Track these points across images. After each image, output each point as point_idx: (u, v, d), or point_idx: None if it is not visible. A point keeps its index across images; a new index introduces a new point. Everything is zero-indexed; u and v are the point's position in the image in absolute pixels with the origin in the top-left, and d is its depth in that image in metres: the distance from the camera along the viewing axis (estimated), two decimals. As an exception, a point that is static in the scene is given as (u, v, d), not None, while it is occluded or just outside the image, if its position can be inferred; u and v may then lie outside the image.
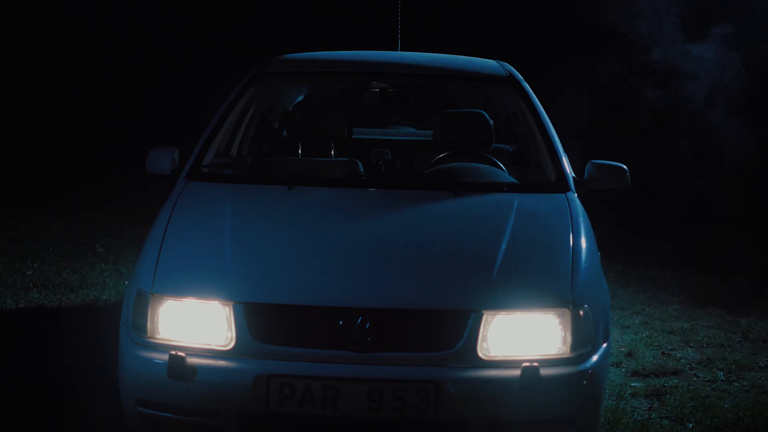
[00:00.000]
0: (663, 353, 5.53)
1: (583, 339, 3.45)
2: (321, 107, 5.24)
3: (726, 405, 4.68)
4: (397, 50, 5.95)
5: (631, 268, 7.76)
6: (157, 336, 3.44)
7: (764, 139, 11.38)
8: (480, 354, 3.35)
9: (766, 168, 10.96)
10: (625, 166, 4.35)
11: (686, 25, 9.84)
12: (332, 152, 5.32)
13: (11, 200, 9.85)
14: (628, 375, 5.14)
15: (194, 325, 3.42)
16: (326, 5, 14.14)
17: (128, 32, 13.69)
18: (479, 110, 4.93)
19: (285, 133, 5.46)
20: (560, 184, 4.23)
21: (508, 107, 5.48)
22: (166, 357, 3.34)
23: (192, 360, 3.33)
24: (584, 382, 3.42)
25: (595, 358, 3.48)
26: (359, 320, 3.33)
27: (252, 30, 14.02)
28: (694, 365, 5.33)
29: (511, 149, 5.35)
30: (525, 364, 3.31)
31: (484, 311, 3.38)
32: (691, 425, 4.43)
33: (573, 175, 4.36)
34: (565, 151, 4.51)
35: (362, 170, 4.46)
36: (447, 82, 5.35)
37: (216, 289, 3.43)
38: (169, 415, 3.40)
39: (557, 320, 3.43)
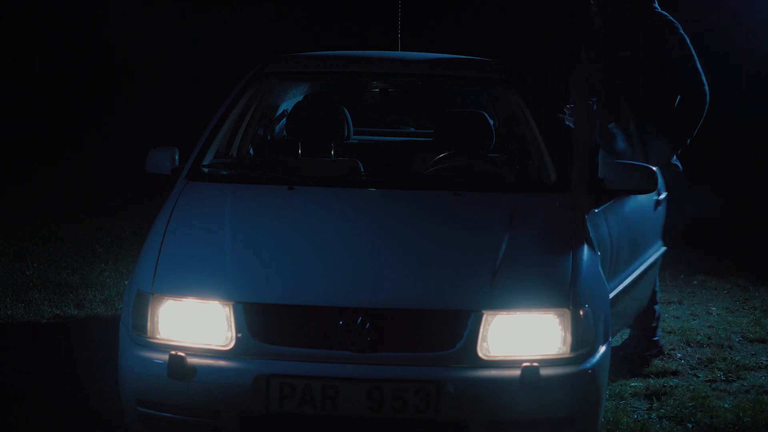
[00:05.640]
0: (663, 353, 5.52)
1: (583, 339, 3.45)
2: (321, 107, 5.24)
3: (726, 405, 4.67)
4: (397, 50, 5.94)
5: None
6: (157, 336, 3.44)
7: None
8: (480, 354, 3.35)
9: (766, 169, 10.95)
10: (653, 168, 4.11)
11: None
12: (332, 152, 5.32)
13: (11, 200, 9.83)
14: (628, 375, 5.14)
15: (194, 325, 3.42)
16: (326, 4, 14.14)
17: (128, 30, 13.67)
18: (479, 110, 4.93)
19: (285, 133, 5.45)
20: (560, 184, 4.22)
21: (508, 107, 5.47)
22: (166, 357, 3.34)
23: (192, 360, 3.34)
24: (584, 382, 3.43)
25: (595, 358, 3.48)
26: (359, 320, 3.33)
27: (251, 25, 14.01)
28: (694, 365, 5.33)
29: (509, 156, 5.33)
30: (525, 364, 3.32)
31: (484, 311, 3.38)
32: (690, 425, 4.43)
33: (586, 175, 4.25)
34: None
35: (362, 170, 4.46)
36: (447, 82, 5.34)
37: (216, 289, 3.43)
38: (169, 415, 3.40)
39: (557, 320, 3.43)
